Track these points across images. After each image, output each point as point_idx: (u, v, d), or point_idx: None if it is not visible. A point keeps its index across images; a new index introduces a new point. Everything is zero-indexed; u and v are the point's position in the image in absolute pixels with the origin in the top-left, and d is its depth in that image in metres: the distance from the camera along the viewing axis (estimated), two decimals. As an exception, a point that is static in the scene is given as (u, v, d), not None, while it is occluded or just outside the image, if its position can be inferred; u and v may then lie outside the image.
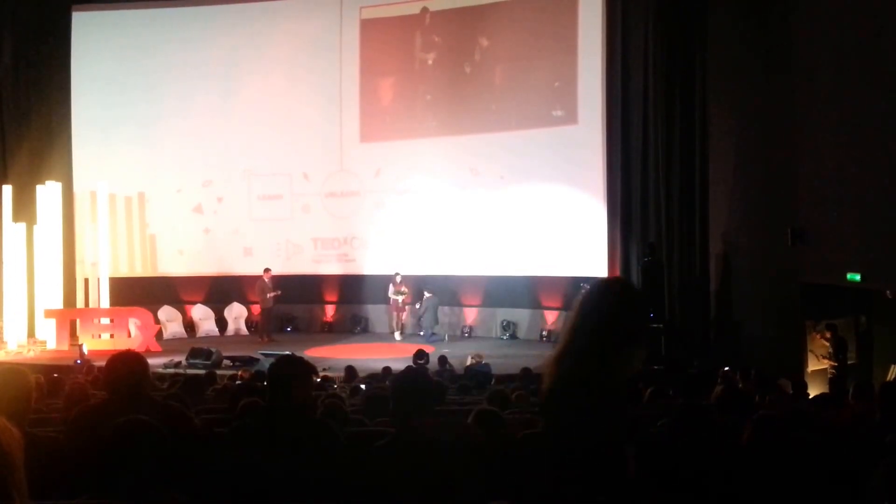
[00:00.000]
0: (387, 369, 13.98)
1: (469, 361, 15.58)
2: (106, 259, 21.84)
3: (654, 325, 16.82)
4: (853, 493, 4.56)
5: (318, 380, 11.49)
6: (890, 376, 11.99)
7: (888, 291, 12.08)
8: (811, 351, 13.49)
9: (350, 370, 13.50)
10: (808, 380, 12.32)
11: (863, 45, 11.87)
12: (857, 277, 11.57)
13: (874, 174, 11.40)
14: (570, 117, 21.17)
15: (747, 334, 15.54)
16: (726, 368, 11.78)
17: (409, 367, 11.74)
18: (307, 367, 5.04)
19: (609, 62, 20.40)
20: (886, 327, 12.93)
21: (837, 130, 12.51)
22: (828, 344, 13.14)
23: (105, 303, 21.41)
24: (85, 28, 23.71)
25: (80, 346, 18.06)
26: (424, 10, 23.01)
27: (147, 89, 23.67)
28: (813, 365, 13.42)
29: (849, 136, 12.17)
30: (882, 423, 6.27)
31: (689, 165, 17.84)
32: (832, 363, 13.03)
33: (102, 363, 7.10)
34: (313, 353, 17.98)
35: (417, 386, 4.76)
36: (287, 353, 15.21)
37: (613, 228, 20.29)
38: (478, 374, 13.73)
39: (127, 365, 5.07)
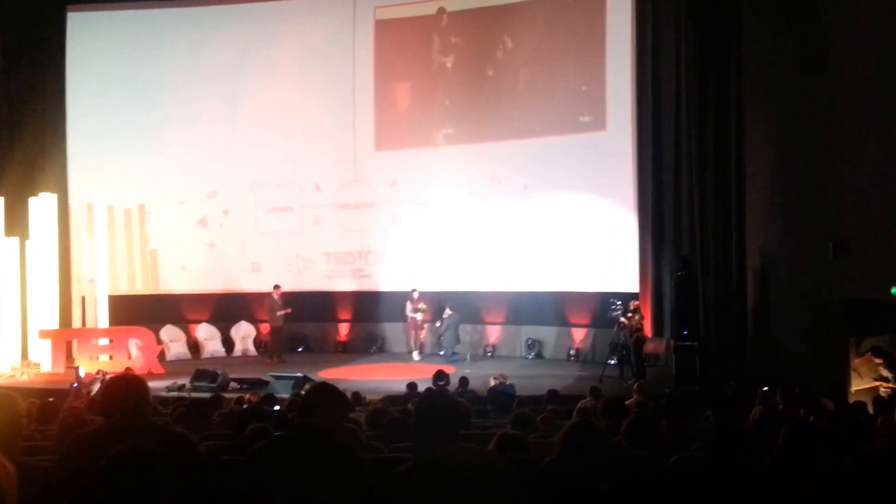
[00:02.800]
0: (412, 386, 13.98)
1: (492, 383, 15.56)
2: (104, 276, 21.89)
3: (688, 343, 16.78)
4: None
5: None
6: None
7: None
8: (854, 370, 13.41)
9: (356, 397, 13.35)
10: (850, 399, 12.25)
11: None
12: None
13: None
14: (599, 123, 21.18)
15: (786, 352, 15.49)
16: (765, 388, 11.72)
17: (429, 389, 11.75)
18: (343, 399, 5.09)
19: (639, 64, 20.41)
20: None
21: (880, 135, 12.46)
22: (884, 370, 13.03)
23: (103, 322, 21.43)
24: (81, 30, 23.89)
25: (77, 368, 18.04)
26: (441, 10, 23.08)
27: (148, 95, 23.80)
28: (856, 384, 13.35)
29: (893, 141, 12.12)
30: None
31: (724, 173, 17.77)
32: (891, 386, 12.92)
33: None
34: (326, 375, 18.00)
35: (440, 409, 4.77)
36: (303, 375, 15.30)
37: (645, 241, 20.26)
38: (500, 396, 13.70)
39: (125, 389, 5.07)
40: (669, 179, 19.56)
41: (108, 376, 17.21)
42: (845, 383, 13.29)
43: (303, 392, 4.71)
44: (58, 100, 23.36)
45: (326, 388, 5.15)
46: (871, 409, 9.85)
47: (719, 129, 17.84)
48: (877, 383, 13.15)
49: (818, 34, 14.40)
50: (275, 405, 11.43)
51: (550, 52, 21.92)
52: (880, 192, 12.39)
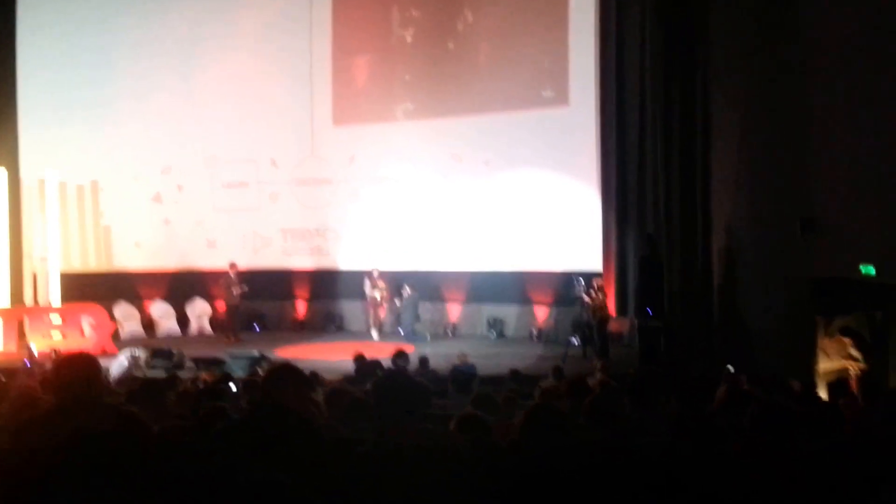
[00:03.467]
0: (359, 359, 13.89)
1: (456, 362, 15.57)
2: (56, 252, 21.67)
3: (653, 323, 16.82)
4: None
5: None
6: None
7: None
8: (822, 350, 13.49)
9: (314, 376, 13.29)
10: (818, 380, 12.34)
11: (877, 14, 11.85)
12: (872, 270, 11.56)
13: (889, 159, 11.40)
14: (561, 98, 21.16)
15: (753, 332, 15.53)
16: (730, 367, 11.79)
17: (388, 369, 11.74)
18: (305, 379, 5.07)
19: (603, 38, 20.34)
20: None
21: (849, 110, 12.48)
22: (854, 350, 13.11)
23: (56, 300, 21.25)
24: (33, 2, 23.45)
25: (29, 346, 17.93)
26: (402, -19, 22.94)
27: (101, 68, 23.54)
28: (824, 365, 13.43)
29: (863, 116, 12.15)
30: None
31: (689, 150, 17.69)
32: (861, 366, 12.99)
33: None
34: (284, 354, 17.94)
35: (399, 390, 4.76)
36: (259, 353, 15.22)
37: (608, 218, 20.25)
38: (461, 376, 13.70)
39: (77, 368, 5.02)
40: (634, 156, 19.46)
41: (61, 355, 17.09)
42: (812, 364, 13.37)
43: (262, 371, 4.69)
44: (8, 73, 22.97)
45: (288, 368, 5.13)
46: (826, 395, 9.92)
47: (685, 104, 17.75)
48: (845, 363, 13.24)
49: (787, 8, 14.40)
50: (231, 384, 11.39)
51: (512, 25, 21.82)
52: (849, 168, 12.41)
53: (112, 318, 21.42)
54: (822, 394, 10.07)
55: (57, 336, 19.89)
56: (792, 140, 14.14)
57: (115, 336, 20.95)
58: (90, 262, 23.88)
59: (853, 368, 12.95)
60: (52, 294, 21.33)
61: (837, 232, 12.62)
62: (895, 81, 11.31)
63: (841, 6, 12.83)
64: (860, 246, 12.04)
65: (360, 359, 14.26)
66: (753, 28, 15.80)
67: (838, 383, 9.88)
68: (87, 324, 20.15)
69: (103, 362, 16.12)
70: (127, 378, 13.51)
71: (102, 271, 23.69)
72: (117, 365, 15.13)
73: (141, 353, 16.39)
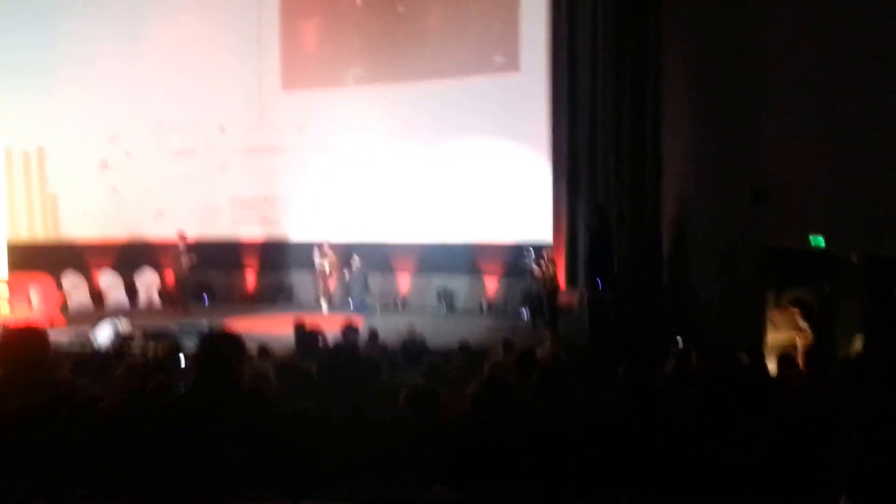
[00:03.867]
0: (300, 327, 13.84)
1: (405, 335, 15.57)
2: (2, 221, 21.38)
3: (602, 295, 16.89)
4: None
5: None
6: (855, 348, 12.16)
7: (853, 256, 12.21)
8: (770, 321, 13.63)
9: (262, 349, 13.24)
10: (766, 353, 12.46)
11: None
12: (821, 241, 11.69)
13: (839, 129, 11.50)
14: (512, 64, 21.18)
15: (703, 304, 15.66)
16: (678, 338, 11.88)
17: (336, 342, 11.74)
18: (243, 345, 5.03)
19: (555, 3, 20.27)
20: (851, 295, 13.08)
21: (800, 80, 12.58)
22: (801, 321, 13.25)
23: (2, 271, 21.00)
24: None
25: (-27, 318, 17.77)
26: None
27: (44, 31, 23.26)
28: (773, 336, 13.57)
29: (811, 90, 12.26)
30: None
31: (641, 120, 17.69)
32: (808, 336, 13.14)
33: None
34: (233, 326, 17.87)
35: (346, 363, 4.77)
36: (208, 324, 15.12)
37: (559, 189, 20.22)
38: (412, 348, 13.72)
39: (23, 342, 4.99)
40: (584, 124, 19.36)
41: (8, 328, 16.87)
42: (762, 336, 13.51)
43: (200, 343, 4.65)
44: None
45: (224, 337, 5.08)
46: (774, 368, 10.04)
47: (637, 72, 17.75)
48: (794, 334, 13.38)
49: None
50: (180, 356, 11.34)
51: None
52: (800, 137, 12.53)
53: (60, 287, 21.20)
54: (772, 366, 10.19)
55: (4, 308, 19.69)
56: (742, 110, 14.24)
57: (64, 308, 20.74)
58: (37, 232, 23.64)
59: (801, 340, 13.10)
60: (-1, 264, 21.07)
61: (787, 203, 12.73)
62: (846, 52, 11.41)
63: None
64: (810, 217, 12.16)
65: (300, 327, 14.24)
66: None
67: (786, 356, 10.00)
68: (35, 295, 19.96)
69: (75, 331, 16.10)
70: (115, 348, 13.51)
71: (50, 241, 23.46)
72: (104, 335, 15.18)
73: (124, 325, 16.32)
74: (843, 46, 11.45)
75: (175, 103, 23.50)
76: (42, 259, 21.81)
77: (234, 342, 4.85)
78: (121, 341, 14.81)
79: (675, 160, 16.96)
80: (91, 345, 15.53)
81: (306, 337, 13.54)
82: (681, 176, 16.77)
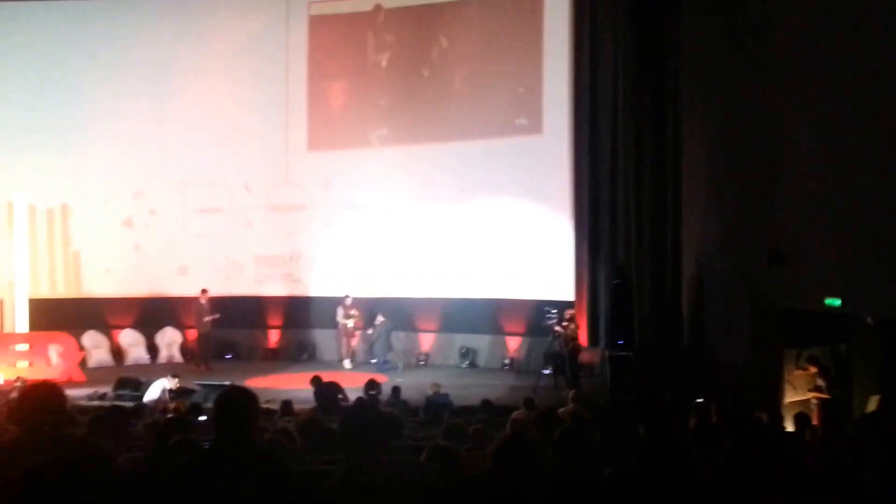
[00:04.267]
0: (316, 381, 13.80)
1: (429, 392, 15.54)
2: (24, 278, 21.45)
3: (623, 353, 16.87)
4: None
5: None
6: (871, 408, 12.09)
7: (869, 318, 12.18)
8: (788, 381, 13.58)
9: (287, 406, 13.18)
10: (784, 412, 12.41)
11: (842, 58, 12.01)
12: (837, 302, 11.67)
13: (855, 194, 11.53)
14: (535, 126, 21.27)
15: (722, 362, 15.62)
16: (700, 400, 11.83)
17: (359, 399, 11.71)
18: (257, 400, 4.96)
19: (577, 69, 20.46)
20: (867, 356, 13.03)
21: (817, 147, 12.65)
22: (818, 379, 13.20)
23: (23, 327, 21.03)
24: (2, 24, 23.45)
25: (-6, 375, 17.78)
26: (378, 7, 23.05)
27: (72, 90, 23.47)
28: (790, 396, 13.51)
29: (829, 154, 12.31)
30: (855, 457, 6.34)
31: (660, 181, 17.88)
32: (822, 396, 13.08)
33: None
34: (255, 384, 17.87)
35: (367, 421, 4.73)
36: (231, 383, 15.10)
37: (580, 248, 20.31)
38: (434, 406, 13.70)
39: (42, 398, 4.98)
40: (606, 186, 19.60)
41: (26, 384, 16.91)
42: (779, 395, 13.45)
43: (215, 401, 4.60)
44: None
45: (236, 395, 5.01)
46: (792, 426, 9.97)
47: (656, 135, 17.96)
48: (811, 394, 13.32)
49: (757, 42, 14.55)
50: (201, 415, 11.32)
51: (487, 53, 21.97)
52: (816, 202, 12.56)
53: (80, 346, 21.22)
54: (789, 425, 10.13)
55: (23, 364, 19.74)
56: (760, 173, 14.30)
57: (83, 364, 20.74)
58: (59, 288, 23.71)
59: (817, 398, 13.04)
60: (20, 321, 21.10)
61: (804, 265, 12.74)
62: (858, 120, 11.45)
63: (808, 45, 12.98)
64: (826, 278, 12.16)
65: (316, 381, 14.23)
66: (725, 64, 15.98)
67: (803, 414, 9.97)
68: (54, 352, 19.99)
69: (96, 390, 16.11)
70: (160, 407, 13.54)
71: (71, 297, 23.49)
72: (152, 392, 15.26)
73: (170, 384, 16.34)
74: (861, 113, 11.49)
75: (201, 162, 23.60)
76: (63, 316, 21.88)
77: (246, 398, 4.80)
78: (169, 398, 14.90)
79: (695, 222, 16.99)
80: (110, 401, 15.55)
81: (324, 388, 13.56)
82: (700, 237, 16.80)
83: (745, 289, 14.93)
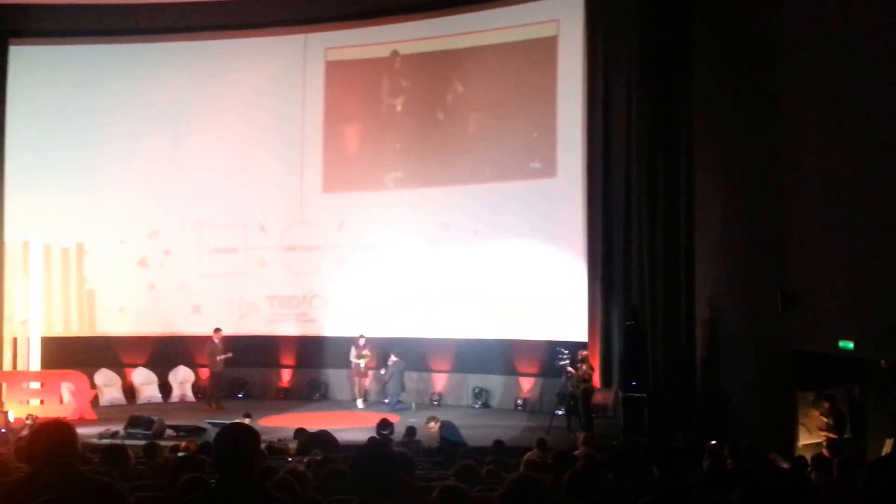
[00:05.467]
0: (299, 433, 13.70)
1: (432, 427, 15.39)
2: (38, 316, 21.49)
3: (637, 395, 16.81)
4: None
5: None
6: (885, 451, 12.01)
7: (883, 361, 12.12)
8: (802, 424, 13.50)
9: (301, 434, 13.14)
10: (797, 453, 12.32)
11: (851, 103, 12.02)
12: (850, 345, 11.61)
13: (866, 236, 11.51)
14: (549, 170, 21.31)
15: (735, 405, 15.56)
16: (713, 443, 11.76)
17: (371, 439, 11.66)
18: (258, 437, 4.91)
19: (590, 112, 20.55)
20: (881, 399, 12.97)
21: (827, 191, 12.64)
22: (825, 417, 13.15)
23: (35, 365, 21.04)
24: (23, 64, 23.75)
25: (6, 413, 17.74)
26: (395, 53, 23.19)
27: (89, 131, 23.74)
28: (804, 439, 13.43)
29: (839, 197, 12.31)
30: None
31: (673, 224, 17.93)
32: (830, 435, 13.01)
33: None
34: (267, 423, 17.85)
35: (380, 460, 4.68)
36: (234, 420, 15.02)
37: (594, 289, 20.30)
38: (448, 446, 13.63)
39: (52, 436, 4.95)
40: (619, 227, 19.67)
41: (37, 421, 16.94)
42: (793, 438, 13.37)
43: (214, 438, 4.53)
44: (-4, 133, 23.14)
45: (235, 433, 4.93)
46: (810, 468, 9.90)
47: (669, 178, 18.04)
48: (822, 435, 13.25)
49: (768, 87, 14.59)
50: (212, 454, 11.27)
51: (501, 97, 22.09)
52: (826, 244, 12.54)
53: (92, 384, 21.21)
54: (803, 467, 10.04)
55: (35, 402, 19.73)
56: (772, 217, 14.32)
57: (95, 403, 20.76)
58: (73, 327, 23.78)
59: (831, 441, 12.96)
60: (32, 359, 21.11)
61: (816, 307, 12.71)
62: (868, 165, 11.46)
63: (817, 87, 13.00)
64: (839, 321, 12.11)
65: (301, 434, 14.14)
66: (734, 105, 16.05)
67: (817, 457, 9.91)
68: (66, 390, 20.00)
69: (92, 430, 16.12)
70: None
71: (85, 336, 23.56)
72: None
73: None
74: (872, 155, 11.49)
75: (216, 202, 23.74)
76: (76, 354, 21.94)
77: (245, 435, 4.75)
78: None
79: (708, 264, 16.99)
80: (121, 440, 15.50)
81: (310, 440, 13.50)
82: (713, 279, 16.79)
83: (757, 331, 14.89)
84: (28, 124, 23.58)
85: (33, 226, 22.06)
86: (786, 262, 13.77)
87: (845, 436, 13.03)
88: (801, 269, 13.28)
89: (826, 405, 13.26)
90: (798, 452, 12.42)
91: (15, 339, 21.92)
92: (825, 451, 12.34)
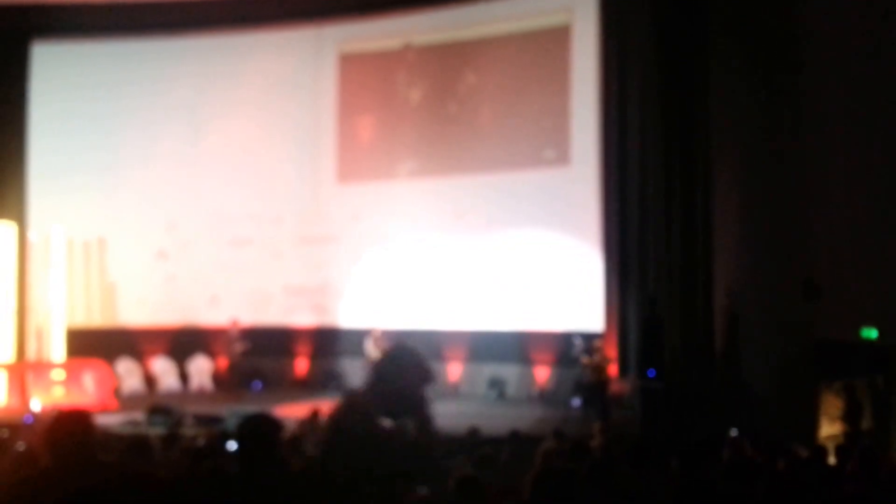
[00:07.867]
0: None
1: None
2: (61, 308, 21.64)
3: (655, 385, 16.69)
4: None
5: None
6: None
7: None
8: (825, 413, 13.39)
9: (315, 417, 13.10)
10: (819, 443, 12.21)
11: (874, 89, 11.90)
12: (874, 334, 11.50)
13: (891, 222, 11.38)
14: (563, 158, 21.17)
15: (756, 395, 15.43)
16: (733, 433, 11.67)
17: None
18: (280, 426, 4.92)
19: (605, 100, 20.36)
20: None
21: (848, 176, 12.52)
22: (854, 410, 13.02)
23: (59, 355, 21.17)
24: (45, 62, 23.65)
25: (31, 402, 17.81)
26: (407, 45, 23.10)
27: (110, 126, 23.84)
28: (827, 429, 13.32)
29: (863, 183, 12.18)
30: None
31: (691, 211, 17.65)
32: (846, 426, 12.91)
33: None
34: (282, 412, 17.79)
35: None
36: (257, 410, 15.02)
37: (610, 278, 20.11)
38: (461, 436, 13.53)
39: (70, 426, 4.92)
40: (635, 215, 19.37)
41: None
42: (815, 428, 13.26)
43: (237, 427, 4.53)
44: (19, 131, 23.10)
45: (259, 420, 4.94)
46: (833, 458, 9.80)
47: (686, 166, 17.76)
48: (839, 425, 13.15)
49: (788, 72, 14.47)
50: (229, 442, 11.24)
51: (514, 87, 21.93)
52: (849, 232, 12.42)
53: (115, 373, 21.30)
54: (825, 456, 9.95)
55: (59, 392, 19.79)
56: (793, 205, 14.16)
57: (117, 392, 20.82)
58: (94, 318, 23.86)
59: (854, 430, 12.86)
60: (56, 349, 21.26)
61: (839, 295, 12.59)
62: (891, 152, 11.34)
63: (838, 74, 12.88)
64: (862, 309, 12.00)
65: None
66: (754, 91, 15.88)
67: (840, 446, 9.81)
68: (89, 379, 20.04)
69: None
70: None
71: (106, 327, 23.66)
72: None
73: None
74: (891, 140, 11.38)
75: (232, 196, 23.80)
76: (97, 344, 21.96)
77: (269, 424, 4.76)
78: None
79: (727, 251, 16.85)
80: (143, 428, 15.51)
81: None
82: (733, 268, 16.64)
83: (778, 320, 14.76)
84: (51, 121, 23.54)
85: (56, 220, 22.13)
86: (808, 250, 13.65)
87: (863, 426, 12.91)
88: (824, 257, 13.17)
89: (851, 401, 13.15)
90: (820, 443, 12.32)
91: (39, 331, 21.97)
92: (852, 443, 12.23)
